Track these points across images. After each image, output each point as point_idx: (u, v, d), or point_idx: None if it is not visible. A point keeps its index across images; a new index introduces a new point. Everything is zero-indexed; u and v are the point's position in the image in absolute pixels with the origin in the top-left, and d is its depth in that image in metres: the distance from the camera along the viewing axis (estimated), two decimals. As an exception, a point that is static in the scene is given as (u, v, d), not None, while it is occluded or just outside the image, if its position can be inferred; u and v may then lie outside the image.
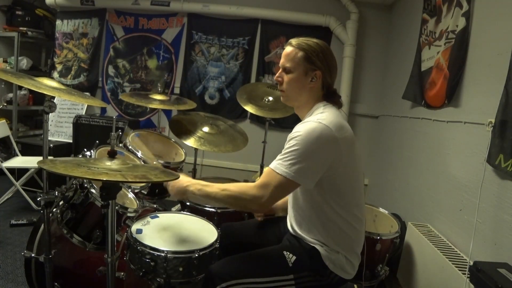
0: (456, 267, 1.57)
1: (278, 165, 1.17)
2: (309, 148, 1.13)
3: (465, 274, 1.50)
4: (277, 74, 1.34)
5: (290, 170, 1.14)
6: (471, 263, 1.44)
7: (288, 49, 1.30)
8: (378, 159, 3.40)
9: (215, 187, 1.25)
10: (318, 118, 1.18)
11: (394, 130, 3.06)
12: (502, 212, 1.47)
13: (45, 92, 1.37)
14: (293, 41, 1.30)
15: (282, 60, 1.32)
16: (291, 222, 1.39)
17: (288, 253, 1.27)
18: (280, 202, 1.50)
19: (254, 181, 2.26)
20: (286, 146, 1.19)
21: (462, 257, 1.68)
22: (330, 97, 1.30)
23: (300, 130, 1.17)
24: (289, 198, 1.42)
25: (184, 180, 1.30)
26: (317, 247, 1.26)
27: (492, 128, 1.53)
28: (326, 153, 1.16)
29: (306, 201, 1.28)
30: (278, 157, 1.20)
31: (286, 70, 1.30)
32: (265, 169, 1.23)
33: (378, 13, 3.53)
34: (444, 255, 1.68)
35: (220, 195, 1.23)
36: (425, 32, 2.45)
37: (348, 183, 1.24)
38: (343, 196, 1.24)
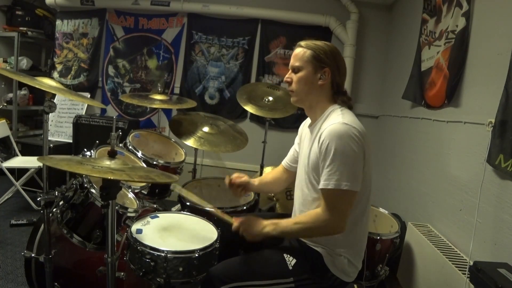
0: (456, 267, 1.57)
1: (330, 183, 1.14)
2: (349, 153, 1.13)
3: (465, 274, 1.50)
4: (286, 75, 1.35)
5: (343, 182, 1.13)
6: (471, 263, 1.45)
7: (297, 50, 1.31)
8: (378, 159, 3.40)
9: (288, 222, 1.24)
10: (341, 120, 1.17)
11: (394, 130, 3.06)
12: (502, 212, 1.47)
13: (48, 90, 1.38)
14: (302, 42, 1.31)
15: (291, 61, 1.33)
16: None
17: (288, 255, 1.27)
18: (257, 181, 1.58)
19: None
20: (325, 160, 1.16)
21: (462, 257, 1.68)
22: (341, 96, 1.30)
23: (329, 139, 1.15)
24: (295, 199, 1.41)
25: (259, 223, 1.26)
26: (319, 249, 1.26)
27: (492, 128, 1.53)
28: (361, 152, 1.17)
29: (316, 202, 1.26)
30: (324, 173, 1.16)
31: (295, 70, 1.30)
32: (322, 192, 1.20)
33: (378, 13, 3.53)
34: (444, 255, 1.68)
35: (295, 229, 1.22)
36: (425, 32, 2.45)
37: (365, 183, 1.23)
38: (359, 197, 1.22)
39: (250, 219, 1.28)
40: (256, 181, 1.60)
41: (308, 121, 1.44)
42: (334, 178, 1.13)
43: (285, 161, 1.58)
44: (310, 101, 1.32)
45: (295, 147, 1.54)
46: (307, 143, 1.35)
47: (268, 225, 1.24)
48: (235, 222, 1.30)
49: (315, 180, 1.25)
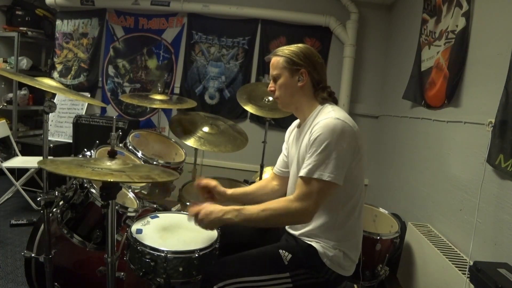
0: (456, 267, 1.57)
1: (313, 171, 1.15)
2: (337, 146, 1.15)
3: (465, 274, 1.50)
4: (269, 85, 1.40)
5: (327, 172, 1.14)
6: (471, 263, 1.45)
7: (273, 59, 1.37)
8: (378, 159, 3.40)
9: (253, 209, 1.19)
10: (333, 115, 1.20)
11: (394, 130, 3.06)
12: (502, 212, 1.47)
13: (48, 90, 1.38)
14: (277, 50, 1.36)
15: (270, 71, 1.38)
16: None
17: (284, 251, 1.28)
18: (230, 191, 1.49)
19: (254, 181, 2.27)
20: (312, 149, 1.17)
21: (462, 257, 1.68)
22: (322, 92, 1.32)
23: (321, 131, 1.16)
24: (288, 194, 1.41)
25: (217, 209, 1.21)
26: (314, 244, 1.27)
27: (492, 128, 1.53)
28: (351, 147, 1.18)
29: None
30: (309, 162, 1.17)
31: (275, 78, 1.36)
32: (299, 179, 1.20)
33: (378, 13, 3.53)
34: (444, 255, 1.68)
35: (261, 216, 1.18)
36: (425, 32, 2.45)
37: (358, 176, 1.26)
38: (350, 190, 1.25)
39: (207, 205, 1.23)
40: (229, 190, 1.49)
41: (293, 125, 1.48)
42: (319, 168, 1.15)
43: (275, 168, 1.57)
44: (295, 103, 1.35)
45: (283, 152, 1.54)
46: (295, 143, 1.38)
47: (230, 212, 1.19)
48: (191, 210, 1.24)
49: None
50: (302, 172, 1.18)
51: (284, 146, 1.53)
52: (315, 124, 1.22)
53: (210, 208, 1.22)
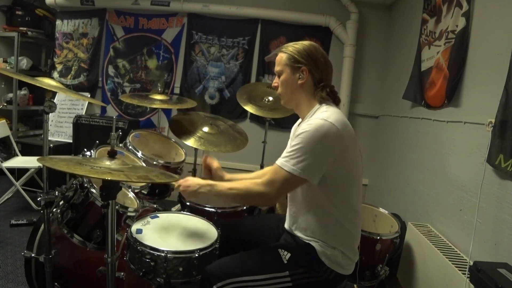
0: (456, 267, 1.57)
1: (284, 162, 1.20)
2: (315, 145, 1.17)
3: (465, 274, 1.50)
4: (274, 81, 1.42)
5: (297, 167, 1.17)
6: (471, 263, 1.45)
7: (278, 56, 1.38)
8: (378, 159, 3.40)
9: (223, 186, 1.31)
10: (323, 116, 1.21)
11: (394, 130, 3.06)
12: (502, 212, 1.47)
13: (49, 89, 1.38)
14: (282, 47, 1.38)
15: (275, 67, 1.40)
16: (288, 219, 1.41)
17: (283, 250, 1.29)
18: (229, 176, 1.61)
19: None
20: (293, 143, 1.21)
21: (462, 257, 1.68)
22: (322, 92, 1.32)
23: (307, 128, 1.19)
24: (290, 199, 1.42)
25: (194, 183, 1.34)
26: (312, 243, 1.28)
27: (492, 128, 1.53)
28: (332, 149, 1.19)
29: (305, 195, 1.30)
30: (284, 154, 1.23)
31: (278, 74, 1.38)
32: (273, 166, 1.26)
33: (378, 13, 3.53)
34: (444, 255, 1.68)
35: (229, 194, 1.29)
36: (425, 32, 2.45)
37: (350, 176, 1.27)
38: (344, 190, 1.26)
39: (188, 179, 1.37)
40: (228, 176, 1.60)
41: (298, 121, 1.50)
42: (289, 161, 1.19)
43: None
44: (296, 101, 1.37)
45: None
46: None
47: (204, 186, 1.32)
48: (176, 182, 1.37)
49: None
50: (279, 162, 1.23)
51: (289, 142, 1.55)
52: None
53: (189, 181, 1.35)
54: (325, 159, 1.19)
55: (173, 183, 1.38)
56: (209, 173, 1.60)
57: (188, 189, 1.34)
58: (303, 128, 1.21)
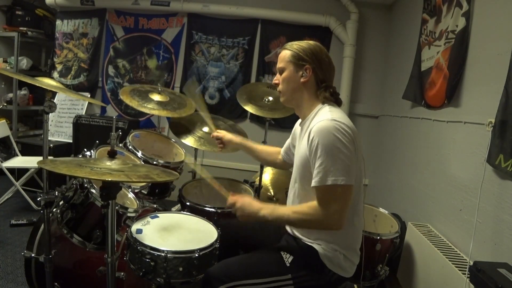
0: (456, 267, 1.57)
1: (325, 179, 1.14)
2: (340, 148, 1.13)
3: (465, 274, 1.50)
4: (275, 78, 1.41)
5: (342, 176, 1.12)
6: (471, 263, 1.44)
7: (281, 53, 1.37)
8: (378, 159, 3.40)
9: (287, 210, 1.25)
10: (329, 117, 1.19)
11: (394, 130, 3.06)
12: (502, 212, 1.47)
13: (49, 88, 1.38)
14: (286, 45, 1.37)
15: (277, 64, 1.38)
16: None
17: (285, 253, 1.28)
18: (240, 139, 1.74)
19: (254, 182, 2.28)
20: (316, 156, 1.16)
21: (462, 257, 1.68)
22: (325, 92, 1.31)
23: (319, 135, 1.15)
24: (289, 195, 1.42)
25: (254, 205, 1.27)
26: (315, 246, 1.27)
27: (492, 128, 1.53)
28: (352, 146, 1.17)
29: (308, 199, 1.26)
30: (318, 170, 1.15)
31: (280, 71, 1.36)
32: (315, 190, 1.19)
33: (378, 13, 3.53)
34: (444, 255, 1.68)
35: (293, 218, 1.22)
36: (425, 32, 2.45)
37: (356, 177, 1.23)
38: None
39: (247, 199, 1.29)
40: (238, 138, 1.73)
41: (299, 121, 1.49)
42: (329, 175, 1.13)
43: (282, 150, 1.67)
44: (297, 100, 1.35)
45: (288, 140, 1.60)
46: (298, 139, 1.40)
47: (265, 208, 1.24)
48: (231, 198, 1.31)
49: (303, 174, 1.28)
50: (315, 182, 1.16)
51: (292, 135, 1.56)
52: (312, 126, 1.21)
53: (247, 201, 1.27)
54: (352, 157, 1.16)
55: (227, 196, 1.33)
56: (221, 144, 1.74)
57: (245, 211, 1.26)
58: (315, 137, 1.16)
